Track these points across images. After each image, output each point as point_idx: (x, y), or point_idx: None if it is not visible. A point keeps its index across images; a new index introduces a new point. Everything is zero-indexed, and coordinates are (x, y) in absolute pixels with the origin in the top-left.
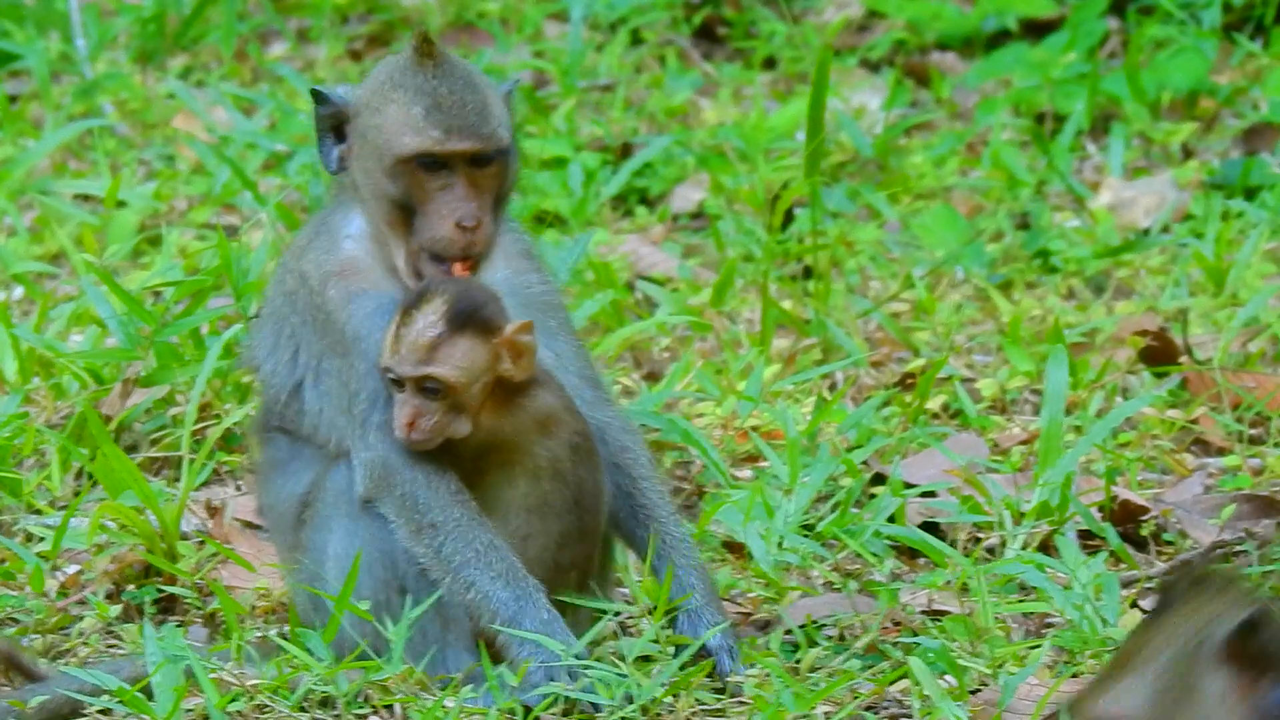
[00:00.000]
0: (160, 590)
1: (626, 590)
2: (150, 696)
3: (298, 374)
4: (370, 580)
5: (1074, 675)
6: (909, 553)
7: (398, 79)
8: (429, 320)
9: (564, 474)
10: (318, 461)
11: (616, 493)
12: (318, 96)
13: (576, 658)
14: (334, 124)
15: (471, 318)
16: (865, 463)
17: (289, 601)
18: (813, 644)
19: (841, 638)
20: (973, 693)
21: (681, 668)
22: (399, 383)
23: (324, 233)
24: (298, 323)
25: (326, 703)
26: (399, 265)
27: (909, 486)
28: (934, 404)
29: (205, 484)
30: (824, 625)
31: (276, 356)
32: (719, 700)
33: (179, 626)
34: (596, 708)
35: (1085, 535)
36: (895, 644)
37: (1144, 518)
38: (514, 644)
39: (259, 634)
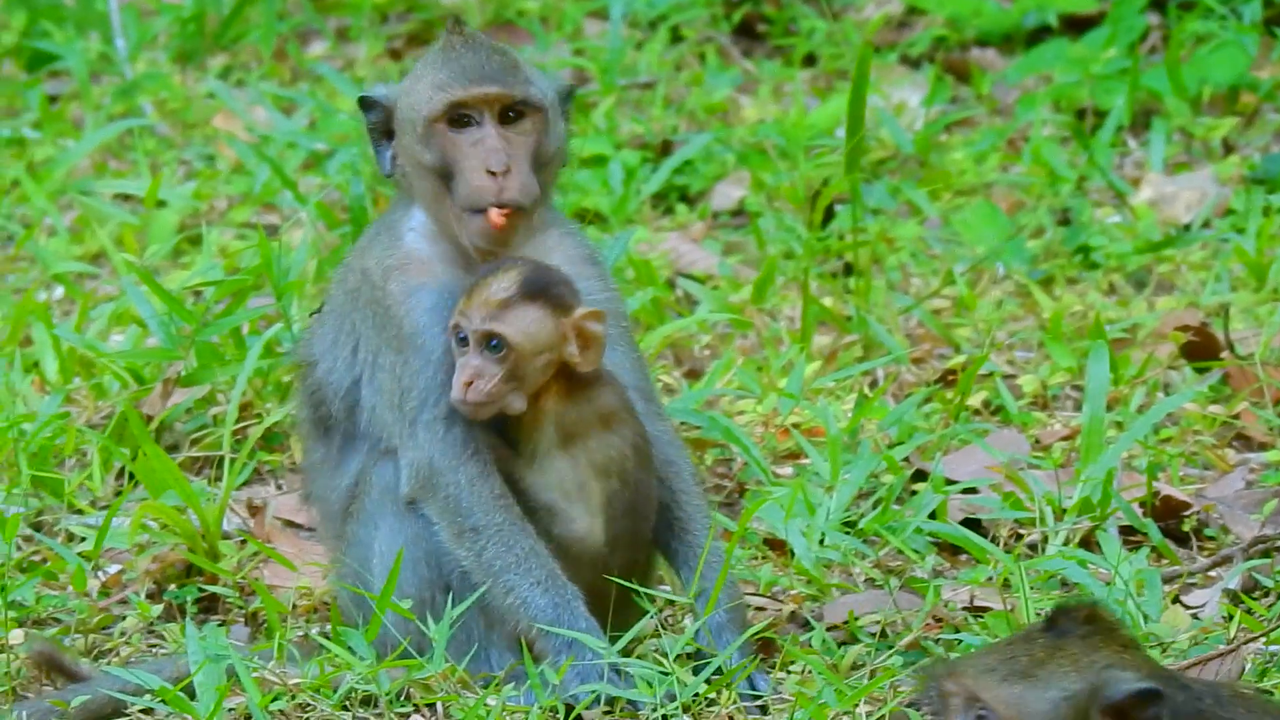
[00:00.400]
0: (202, 589)
1: (668, 587)
2: (192, 696)
3: (356, 370)
4: (414, 578)
5: None
6: (950, 549)
7: (429, 59)
8: (503, 284)
9: (628, 474)
10: (366, 456)
11: (659, 505)
12: (363, 102)
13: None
14: (383, 126)
15: (544, 289)
16: (906, 459)
17: (331, 600)
18: (854, 641)
19: (883, 634)
20: None
21: (707, 681)
22: (464, 342)
23: (385, 230)
24: (358, 319)
25: (369, 701)
26: (458, 234)
27: (950, 483)
28: (975, 400)
29: (246, 483)
30: (866, 622)
31: (335, 353)
32: (759, 698)
33: (221, 626)
34: (637, 705)
35: (1127, 531)
36: (937, 640)
37: (1186, 513)
38: (554, 644)
39: (301, 633)
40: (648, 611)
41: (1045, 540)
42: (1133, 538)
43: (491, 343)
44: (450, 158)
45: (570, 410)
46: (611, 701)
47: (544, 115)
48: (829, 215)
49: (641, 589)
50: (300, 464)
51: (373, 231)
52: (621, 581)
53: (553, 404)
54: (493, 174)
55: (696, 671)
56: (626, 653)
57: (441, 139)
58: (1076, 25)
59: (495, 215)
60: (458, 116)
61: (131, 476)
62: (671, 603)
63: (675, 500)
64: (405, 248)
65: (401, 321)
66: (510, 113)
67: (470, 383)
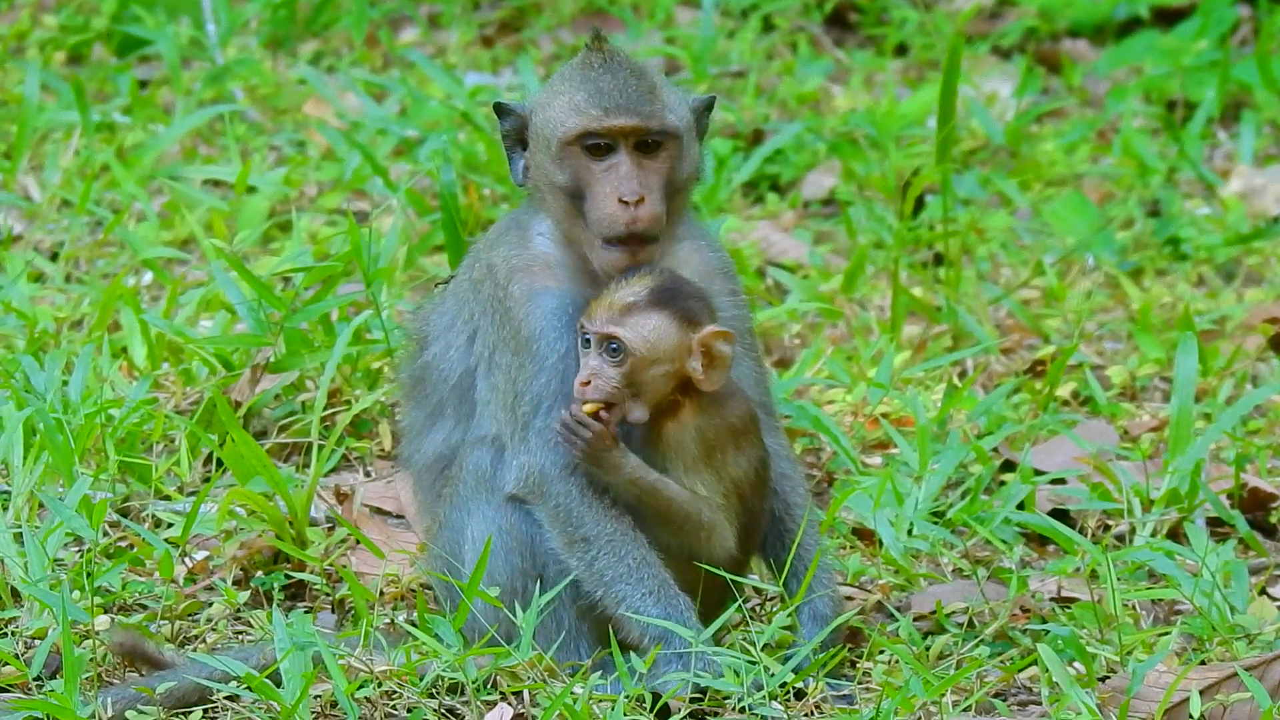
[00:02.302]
0: (289, 576)
1: (755, 575)
2: (278, 683)
3: (470, 360)
4: (506, 566)
5: (1203, 662)
6: (1038, 540)
7: (567, 74)
8: (633, 289)
9: (746, 498)
10: (461, 434)
11: (770, 517)
12: (498, 109)
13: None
14: (516, 134)
15: (673, 300)
16: (995, 450)
17: (418, 587)
18: (941, 631)
19: (970, 624)
20: (1101, 679)
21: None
22: (588, 342)
23: (515, 228)
24: (479, 311)
25: (455, 689)
26: (590, 255)
27: (1039, 473)
28: (1064, 391)
29: (334, 470)
30: (953, 612)
31: (450, 337)
32: (846, 687)
33: (307, 612)
34: (725, 694)
35: (1214, 522)
36: (1024, 631)
37: (1273, 505)
38: (634, 629)
39: (387, 620)
40: (740, 615)
41: (1133, 531)
42: (1220, 529)
43: (611, 345)
44: (583, 181)
45: (709, 423)
46: (701, 691)
47: (680, 142)
48: (919, 205)
49: (732, 576)
50: (397, 426)
51: (503, 226)
52: (712, 569)
53: (691, 416)
54: (625, 203)
55: (785, 662)
56: (715, 644)
57: (575, 162)
58: (1167, 17)
59: (621, 255)
60: (593, 144)
61: (219, 463)
62: (761, 595)
63: (789, 514)
64: (532, 250)
65: (520, 324)
66: (646, 142)
67: (588, 383)
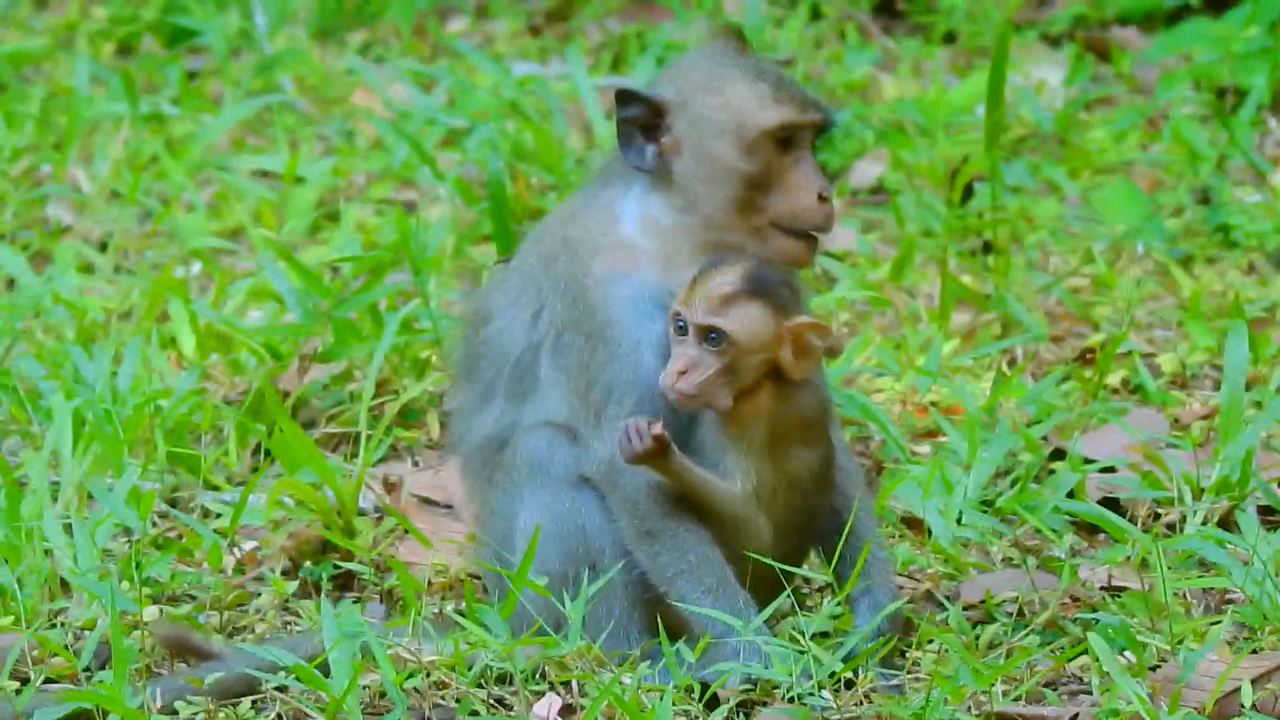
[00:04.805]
0: (337, 566)
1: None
2: (327, 673)
3: (534, 337)
4: (559, 552)
5: (1254, 651)
6: (1088, 528)
7: (726, 64)
8: (729, 278)
9: (809, 493)
10: (514, 417)
11: (829, 511)
12: (626, 96)
13: (755, 634)
14: (644, 121)
15: (769, 289)
16: (1044, 438)
17: (465, 577)
18: (991, 620)
19: (1020, 614)
20: (1152, 669)
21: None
22: (683, 331)
23: (599, 207)
24: (547, 286)
25: (504, 679)
26: (744, 242)
27: (1088, 462)
28: (1114, 379)
29: (382, 460)
30: (1003, 601)
31: (514, 313)
32: (895, 676)
33: (356, 602)
34: (774, 684)
35: (1265, 511)
36: (1074, 620)
37: None
38: (693, 621)
39: (436, 610)
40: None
41: (1183, 520)
42: (1271, 517)
43: (711, 335)
44: (775, 172)
45: (782, 412)
46: (750, 681)
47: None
48: (968, 193)
49: (780, 565)
50: (447, 408)
51: (580, 201)
52: (758, 557)
53: (768, 402)
54: (824, 199)
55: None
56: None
57: (767, 153)
58: (1217, 4)
59: (804, 247)
60: (786, 137)
61: (268, 453)
62: (810, 585)
63: (848, 507)
64: (622, 231)
65: (596, 307)
66: (821, 132)
67: (684, 372)
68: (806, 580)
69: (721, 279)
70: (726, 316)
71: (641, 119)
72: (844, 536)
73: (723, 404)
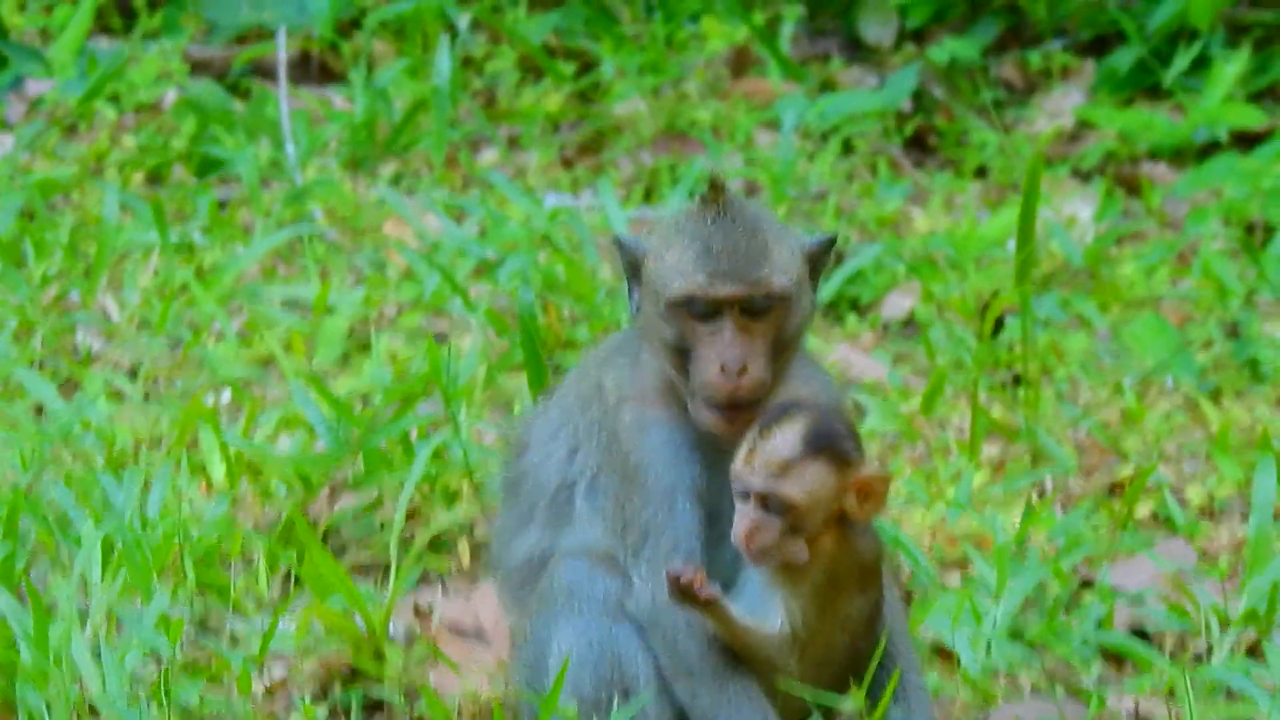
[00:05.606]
0: (367, 694)
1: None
2: None
3: (571, 475)
4: (593, 678)
5: None
6: (1116, 658)
7: (681, 224)
8: (787, 439)
9: (858, 636)
10: (551, 544)
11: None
12: (617, 243)
13: None
14: (632, 269)
15: (830, 445)
16: (1073, 569)
17: (495, 705)
18: None
19: None
20: None
21: None
22: (745, 495)
23: (627, 352)
24: (583, 426)
25: None
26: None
27: (1117, 592)
28: (1142, 511)
29: (413, 588)
30: None
31: (551, 448)
32: None
33: None
34: None
35: None
36: None
37: None
38: None
39: None
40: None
41: (1211, 650)
42: None
43: (770, 502)
44: (687, 341)
45: (841, 556)
46: None
47: (789, 302)
48: (999, 326)
49: (812, 692)
50: (490, 529)
51: (615, 344)
52: (792, 688)
53: (830, 546)
54: (728, 372)
55: None
56: None
57: (680, 322)
58: (1247, 140)
59: (720, 420)
60: (700, 308)
61: (298, 580)
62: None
63: (889, 637)
64: (643, 379)
65: (629, 452)
66: (752, 308)
67: (751, 534)
68: (839, 710)
69: (780, 441)
70: (786, 482)
71: (631, 267)
72: (876, 661)
73: (800, 558)
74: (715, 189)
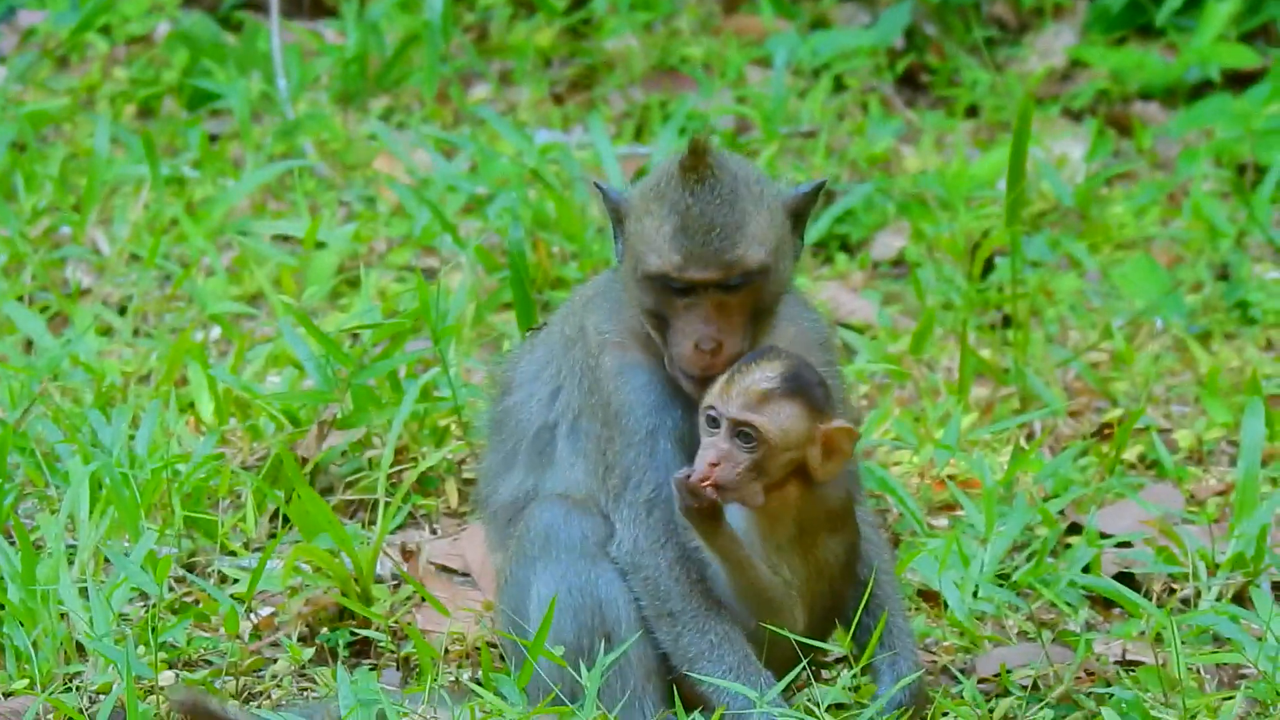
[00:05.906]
0: (354, 633)
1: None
2: None
3: (550, 416)
4: (574, 624)
5: None
6: (1103, 603)
7: (661, 189)
8: (767, 374)
9: (835, 581)
10: (531, 488)
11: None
12: (601, 192)
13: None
14: (616, 216)
15: (806, 389)
16: (1061, 513)
17: (482, 645)
18: (1006, 694)
19: (1035, 687)
20: None
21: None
22: (716, 423)
23: (611, 296)
24: (565, 369)
25: None
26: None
27: (1104, 537)
28: (1131, 454)
29: (400, 528)
30: (1018, 675)
31: (534, 388)
32: None
33: (372, 670)
34: None
35: (1279, 587)
36: (1089, 694)
37: None
38: (710, 691)
39: (452, 678)
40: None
41: (1198, 595)
42: None
43: (743, 431)
44: (666, 311)
45: (808, 505)
46: None
47: (766, 274)
48: (988, 267)
49: (800, 638)
50: (476, 467)
51: (600, 285)
52: (779, 631)
53: (795, 497)
54: (700, 350)
55: None
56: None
57: (656, 293)
58: (1239, 80)
59: (695, 387)
60: (674, 284)
61: (285, 519)
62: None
63: (874, 579)
64: (625, 324)
65: (610, 396)
66: (729, 285)
67: (717, 464)
68: (825, 651)
69: (759, 375)
70: (761, 414)
71: (614, 214)
72: (862, 606)
73: (755, 500)
74: (695, 154)
